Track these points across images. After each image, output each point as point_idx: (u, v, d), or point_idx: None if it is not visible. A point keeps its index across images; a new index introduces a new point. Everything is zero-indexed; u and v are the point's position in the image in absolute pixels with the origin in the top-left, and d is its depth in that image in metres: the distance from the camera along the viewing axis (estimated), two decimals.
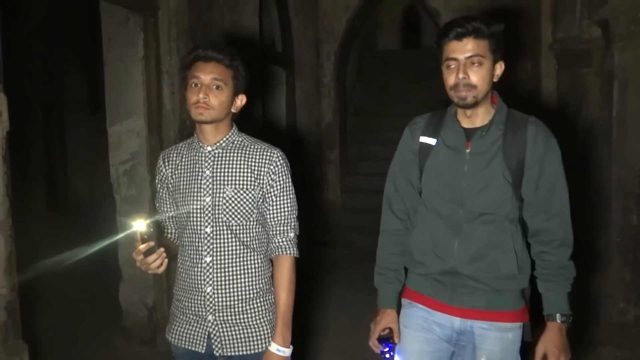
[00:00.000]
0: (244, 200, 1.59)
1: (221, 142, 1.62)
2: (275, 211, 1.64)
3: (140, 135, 3.19)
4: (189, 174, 1.63)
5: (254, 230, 1.64)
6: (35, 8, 6.00)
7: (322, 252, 5.74)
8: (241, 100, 1.64)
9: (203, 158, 1.62)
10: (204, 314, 1.60)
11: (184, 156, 1.66)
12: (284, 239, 1.65)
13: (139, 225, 1.43)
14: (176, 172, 1.66)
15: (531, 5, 5.42)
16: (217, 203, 1.59)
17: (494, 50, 1.54)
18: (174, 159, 1.68)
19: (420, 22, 11.66)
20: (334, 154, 6.66)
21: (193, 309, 1.62)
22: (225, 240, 1.60)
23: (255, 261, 1.63)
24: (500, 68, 1.58)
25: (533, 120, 1.61)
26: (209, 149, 1.62)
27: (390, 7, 9.21)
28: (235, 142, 1.64)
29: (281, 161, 1.63)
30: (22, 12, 5.37)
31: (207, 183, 1.60)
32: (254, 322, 1.62)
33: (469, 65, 1.52)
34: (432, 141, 1.66)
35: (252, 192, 1.60)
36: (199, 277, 1.60)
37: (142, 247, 1.42)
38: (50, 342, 3.25)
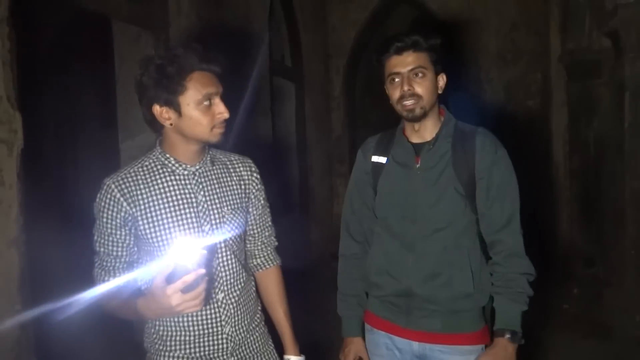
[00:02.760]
0: (241, 219, 1.46)
1: (204, 159, 1.42)
2: (263, 223, 1.57)
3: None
4: (172, 203, 1.35)
5: (244, 249, 1.55)
6: (49, 25, 6.10)
7: (331, 265, 5.71)
8: None
9: (187, 180, 1.38)
10: (223, 357, 1.42)
11: (151, 184, 1.36)
12: (271, 250, 1.60)
13: (189, 248, 1.11)
14: (148, 205, 1.34)
15: (540, 17, 5.43)
16: (217, 230, 1.40)
17: (434, 62, 1.56)
18: (134, 190, 1.34)
19: None
20: (343, 167, 6.65)
21: (207, 354, 1.40)
22: (233, 270, 1.43)
23: (253, 283, 1.55)
24: (442, 80, 1.59)
25: (481, 130, 1.60)
26: (194, 169, 1.39)
27: (399, 20, 9.24)
28: (213, 156, 1.47)
29: (258, 170, 1.55)
30: (35, 29, 5.47)
31: (203, 209, 1.38)
32: (266, 348, 1.54)
33: (412, 77, 1.53)
34: (382, 160, 1.66)
35: (244, 209, 1.49)
36: (213, 319, 1.39)
37: (189, 277, 1.12)
38: (60, 357, 3.25)
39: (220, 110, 1.34)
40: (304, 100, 5.85)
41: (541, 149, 5.33)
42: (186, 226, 1.35)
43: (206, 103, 1.32)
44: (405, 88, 1.52)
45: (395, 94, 1.56)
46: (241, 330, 1.45)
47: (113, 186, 1.34)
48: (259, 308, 1.56)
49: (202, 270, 1.13)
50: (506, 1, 5.70)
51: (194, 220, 1.36)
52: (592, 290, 4.26)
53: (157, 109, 1.32)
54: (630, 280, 3.63)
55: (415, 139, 1.62)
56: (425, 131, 1.60)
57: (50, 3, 4.79)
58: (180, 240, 1.13)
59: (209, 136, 1.34)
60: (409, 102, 1.53)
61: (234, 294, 1.43)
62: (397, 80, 1.55)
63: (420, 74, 1.53)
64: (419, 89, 1.52)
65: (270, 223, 1.60)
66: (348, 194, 1.77)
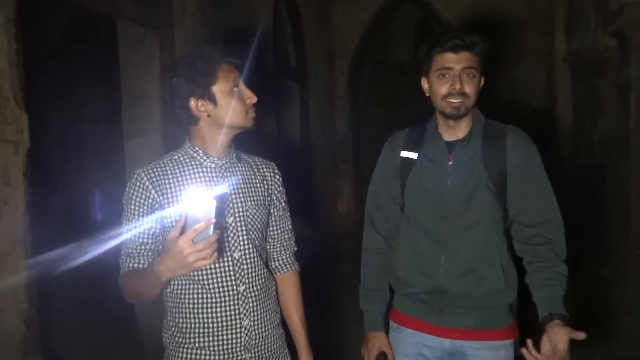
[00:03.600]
0: (264, 216, 1.50)
1: (231, 154, 1.48)
2: (283, 226, 1.60)
3: (157, 151, 3.23)
4: None
5: (266, 249, 1.57)
6: (54, 26, 6.12)
7: (335, 264, 5.73)
8: None
9: (214, 173, 1.43)
10: (240, 352, 1.43)
11: (179, 174, 1.41)
12: (290, 254, 1.62)
13: (196, 199, 1.12)
14: (175, 194, 1.39)
15: (544, 16, 5.42)
16: (241, 223, 1.44)
17: (482, 65, 1.56)
18: (163, 179, 1.40)
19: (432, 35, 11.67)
20: (347, 167, 6.65)
21: (225, 348, 1.42)
22: (255, 263, 1.45)
23: (274, 283, 1.56)
24: (482, 82, 1.60)
25: (512, 128, 1.61)
26: (221, 162, 1.45)
27: (403, 20, 9.23)
28: (238, 155, 1.53)
29: (280, 174, 1.60)
30: (40, 30, 5.50)
31: (228, 201, 1.43)
32: (282, 351, 1.55)
33: (463, 76, 1.52)
34: (413, 155, 1.65)
35: (267, 207, 1.53)
36: (232, 311, 1.41)
37: (199, 226, 1.13)
38: (66, 355, 3.26)
39: (249, 95, 1.43)
40: (308, 100, 5.85)
41: (545, 149, 5.31)
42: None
43: (236, 89, 1.41)
44: (457, 86, 1.52)
45: (442, 89, 1.55)
46: (259, 326, 1.45)
47: (143, 175, 1.39)
48: (279, 309, 1.57)
49: (213, 219, 1.14)
50: (510, 1, 5.69)
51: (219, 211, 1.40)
52: (597, 290, 4.24)
53: (192, 103, 1.39)
54: (635, 281, 3.62)
55: (447, 137, 1.62)
56: (459, 129, 1.60)
57: (56, 4, 4.80)
58: (190, 191, 1.16)
59: (245, 121, 1.42)
60: (456, 100, 1.53)
61: (255, 288, 1.45)
62: (447, 76, 1.54)
63: (470, 75, 1.53)
64: (468, 89, 1.53)
65: (290, 227, 1.62)
66: (372, 188, 1.76)
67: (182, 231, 1.16)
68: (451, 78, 1.53)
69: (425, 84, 1.62)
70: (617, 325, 3.62)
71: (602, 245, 4.47)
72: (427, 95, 1.63)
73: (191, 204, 1.14)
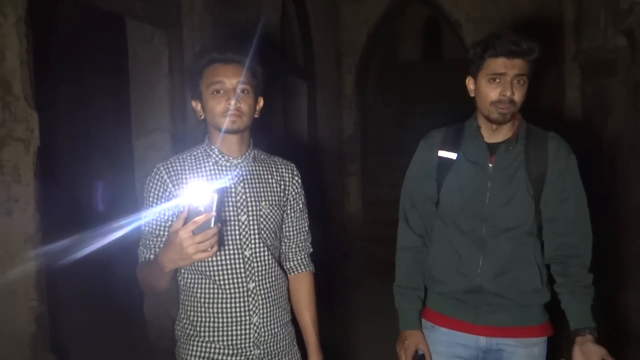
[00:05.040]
0: (278, 216, 1.52)
1: (247, 154, 1.49)
2: (299, 227, 1.61)
3: (165, 149, 3.24)
4: None
5: (279, 248, 1.59)
6: (63, 25, 6.16)
7: (343, 264, 5.73)
8: (259, 103, 1.51)
9: (228, 172, 1.46)
10: (248, 348, 1.44)
11: (196, 170, 1.45)
12: (305, 255, 1.63)
13: (198, 191, 1.14)
14: None
15: (554, 15, 5.38)
16: (253, 221, 1.45)
17: (532, 71, 1.55)
18: (180, 173, 1.43)
19: (441, 33, 11.65)
20: (355, 166, 6.65)
21: (234, 343, 1.44)
22: (266, 262, 1.47)
23: (285, 281, 1.57)
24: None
25: (553, 135, 1.62)
26: (236, 161, 1.46)
27: (411, 18, 9.22)
28: (256, 155, 1.54)
29: (300, 175, 1.61)
30: (50, 29, 5.53)
31: (241, 200, 1.45)
32: (291, 349, 1.56)
33: (514, 83, 1.51)
34: (452, 156, 1.64)
35: (282, 208, 1.54)
36: (242, 307, 1.43)
37: (199, 218, 1.14)
38: (74, 352, 3.29)
39: (231, 100, 1.39)
40: (316, 99, 5.85)
41: None
42: (224, 214, 1.41)
43: (216, 91, 1.39)
44: (508, 94, 1.50)
45: (491, 94, 1.53)
46: (268, 323, 1.47)
47: (162, 169, 1.43)
48: (290, 308, 1.59)
49: (213, 212, 1.15)
50: None
51: (232, 209, 1.43)
52: (605, 291, 4.22)
53: (193, 104, 1.46)
54: None
55: (488, 138, 1.62)
56: (501, 132, 1.60)
57: (65, 3, 4.83)
58: (192, 183, 1.18)
59: (219, 123, 1.40)
60: (504, 107, 1.52)
61: (265, 286, 1.46)
62: (498, 81, 1.52)
63: (521, 82, 1.52)
64: (517, 96, 1.52)
65: (306, 228, 1.63)
66: (407, 187, 1.75)
67: (185, 223, 1.17)
68: (502, 84, 1.51)
69: (471, 85, 1.60)
70: (626, 329, 3.60)
71: (611, 245, 4.44)
72: (472, 95, 1.61)
73: (193, 196, 1.15)
